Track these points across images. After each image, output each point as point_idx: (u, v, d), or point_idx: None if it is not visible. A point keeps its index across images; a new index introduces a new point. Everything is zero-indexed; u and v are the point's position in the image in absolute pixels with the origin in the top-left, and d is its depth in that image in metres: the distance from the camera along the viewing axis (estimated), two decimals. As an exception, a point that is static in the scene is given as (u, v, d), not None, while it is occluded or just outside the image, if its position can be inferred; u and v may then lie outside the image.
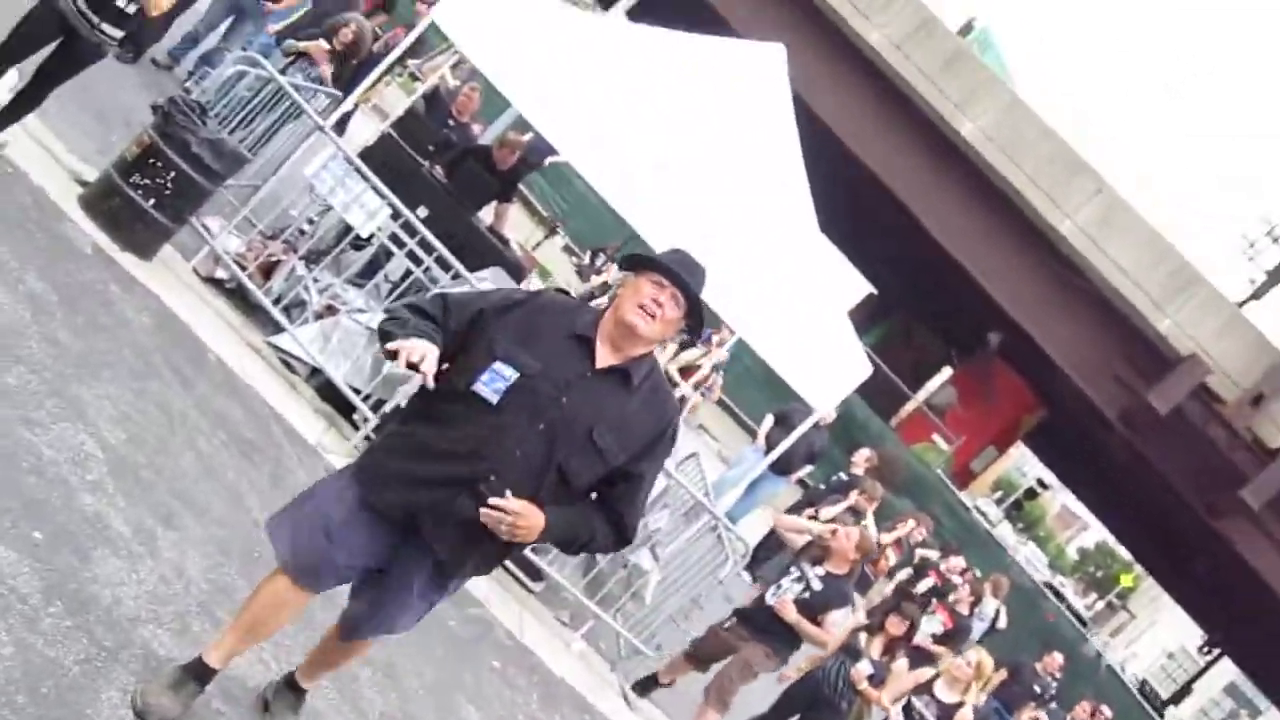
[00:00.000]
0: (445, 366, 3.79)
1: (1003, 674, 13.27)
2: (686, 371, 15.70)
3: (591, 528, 3.98)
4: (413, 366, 3.62)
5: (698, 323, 4.03)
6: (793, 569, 8.61)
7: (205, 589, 4.88)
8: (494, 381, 3.79)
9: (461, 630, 7.02)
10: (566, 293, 14.40)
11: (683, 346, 15.57)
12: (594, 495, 3.99)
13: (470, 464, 3.80)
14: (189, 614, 4.62)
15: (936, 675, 8.69)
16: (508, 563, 8.26)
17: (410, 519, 3.90)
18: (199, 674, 4.05)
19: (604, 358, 3.91)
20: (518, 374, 3.80)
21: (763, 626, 8.38)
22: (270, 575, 4.09)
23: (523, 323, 3.90)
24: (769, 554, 11.57)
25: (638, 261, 4.08)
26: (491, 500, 3.75)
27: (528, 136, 10.67)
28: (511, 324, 3.88)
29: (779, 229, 8.49)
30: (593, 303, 17.31)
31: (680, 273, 3.91)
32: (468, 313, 3.90)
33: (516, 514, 3.76)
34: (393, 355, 3.66)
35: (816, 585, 8.34)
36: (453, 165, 10.62)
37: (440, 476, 3.83)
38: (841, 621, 8.41)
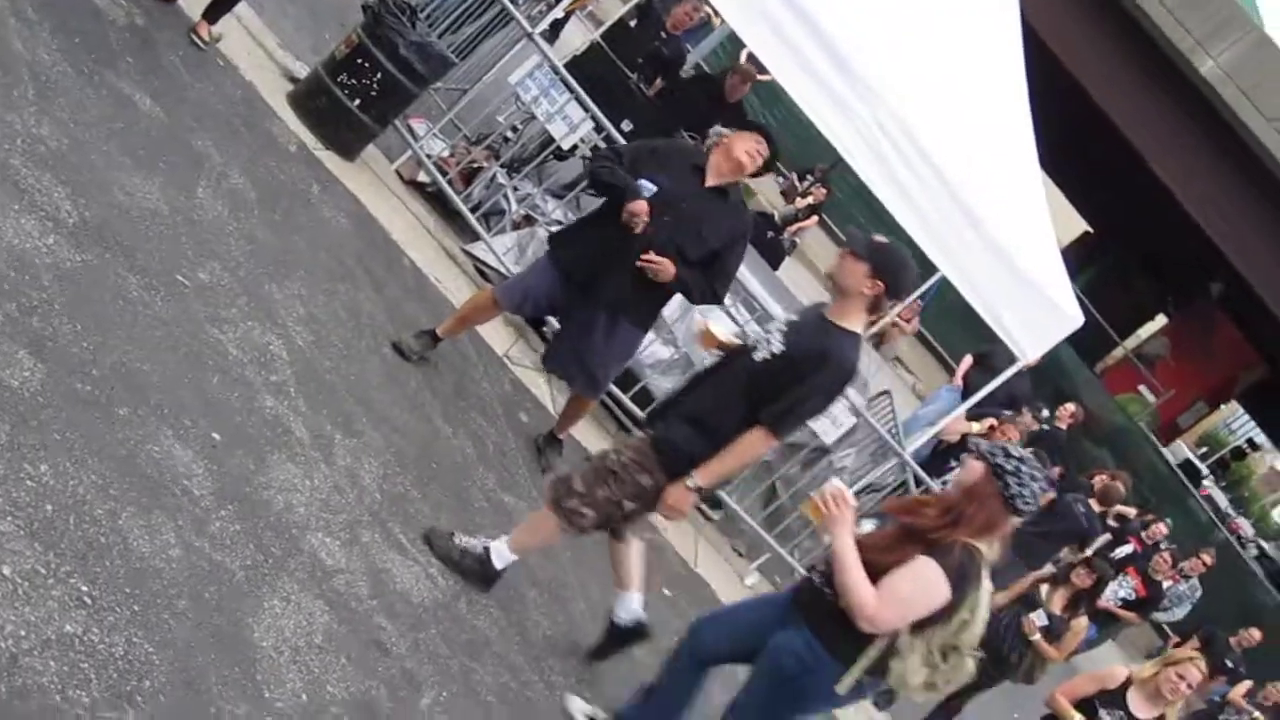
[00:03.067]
0: None
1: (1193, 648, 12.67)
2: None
3: (700, 283, 6.05)
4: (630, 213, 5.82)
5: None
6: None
7: (378, 499, 4.86)
8: (643, 189, 5.89)
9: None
10: (769, 215, 14.13)
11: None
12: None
13: (625, 236, 5.90)
14: (359, 523, 4.60)
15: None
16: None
17: (588, 274, 6.06)
18: (435, 338, 6.28)
19: (711, 180, 6.06)
20: (655, 186, 5.90)
21: None
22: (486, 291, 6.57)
23: (662, 156, 6.10)
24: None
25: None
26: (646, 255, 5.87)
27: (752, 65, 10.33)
28: (656, 158, 6.07)
29: (998, 164, 8.03)
30: (796, 224, 16.98)
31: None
32: (630, 155, 6.09)
33: (660, 261, 5.88)
34: (608, 192, 6.03)
35: None
36: (672, 90, 10.38)
37: (607, 242, 5.98)
38: None
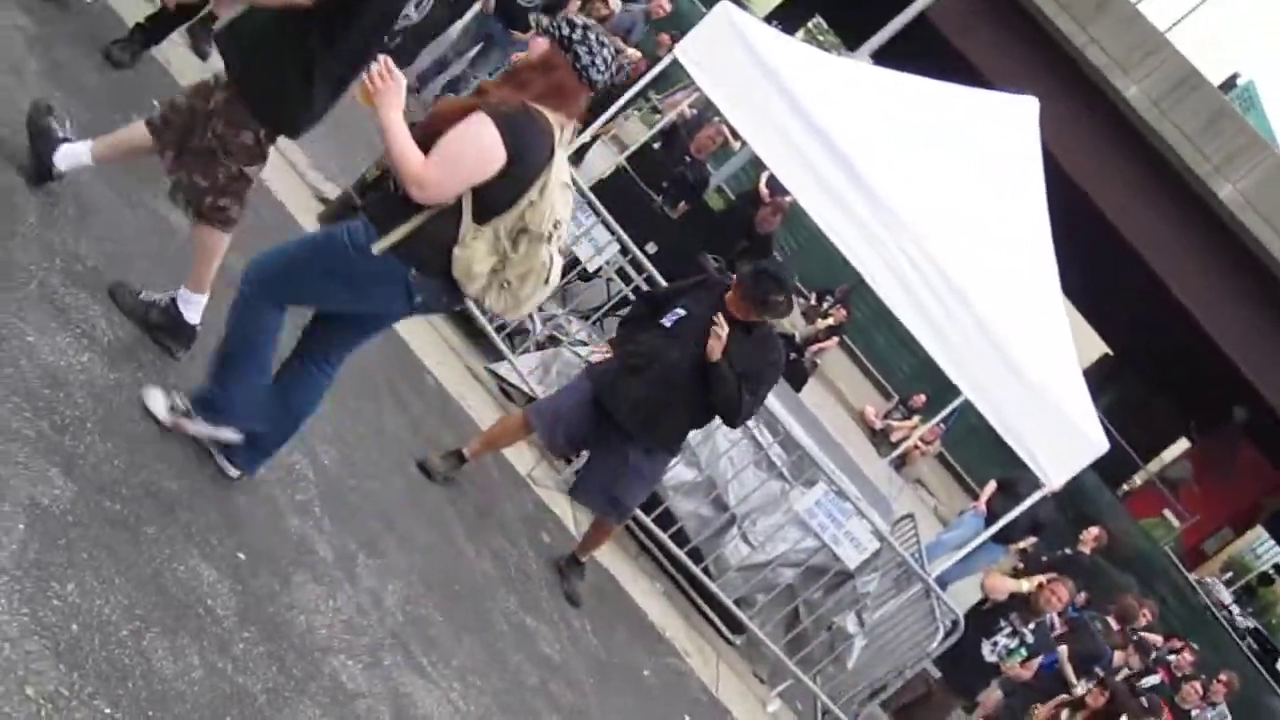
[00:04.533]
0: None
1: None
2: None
3: (731, 390, 6.26)
4: None
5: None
6: (1003, 623, 8.93)
7: (400, 620, 4.82)
8: (671, 318, 6.39)
9: (656, 679, 6.85)
10: (790, 337, 14.16)
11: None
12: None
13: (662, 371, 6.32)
14: (382, 647, 4.56)
15: None
16: (709, 612, 8.10)
17: (624, 413, 6.34)
18: (461, 459, 6.30)
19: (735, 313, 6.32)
20: (684, 312, 6.37)
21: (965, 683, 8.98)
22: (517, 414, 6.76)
23: (688, 291, 6.58)
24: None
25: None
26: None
27: (785, 199, 10.48)
28: (682, 292, 6.59)
29: (1019, 287, 8.08)
30: (816, 345, 17.04)
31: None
32: (662, 296, 6.74)
33: (719, 333, 6.20)
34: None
35: (1029, 638, 8.77)
36: (697, 213, 10.55)
37: (646, 378, 6.33)
38: None
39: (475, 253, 4.08)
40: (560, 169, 4.17)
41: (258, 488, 4.63)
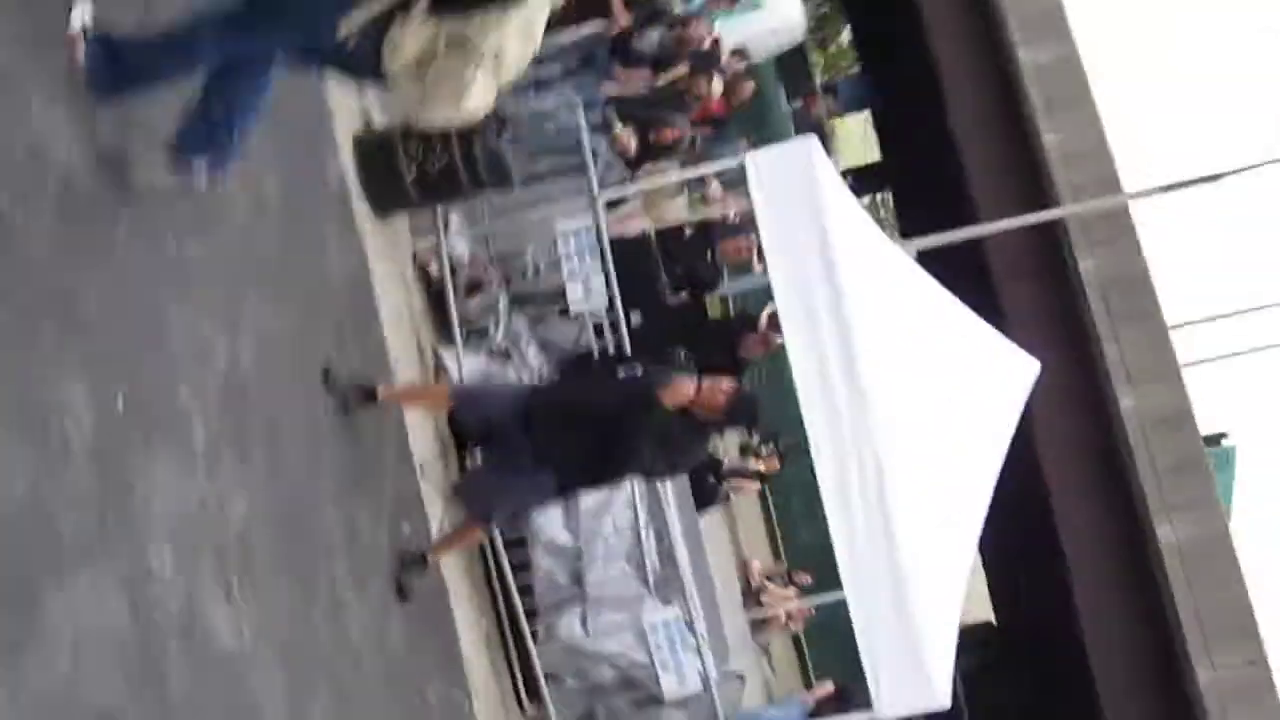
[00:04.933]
0: None
1: None
2: None
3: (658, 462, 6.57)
4: None
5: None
6: None
7: (233, 535, 4.74)
8: (626, 371, 6.92)
9: (435, 705, 6.74)
10: (718, 461, 14.17)
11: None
12: None
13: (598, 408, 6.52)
14: (203, 550, 4.49)
15: None
16: (516, 671, 8.03)
17: (545, 431, 6.40)
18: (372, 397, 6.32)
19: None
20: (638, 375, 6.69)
21: None
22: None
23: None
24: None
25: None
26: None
27: (778, 339, 10.51)
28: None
29: (942, 524, 8.11)
30: (739, 480, 17.04)
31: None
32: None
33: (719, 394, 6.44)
34: None
35: None
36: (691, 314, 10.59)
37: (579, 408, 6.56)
38: None
39: (409, 32, 4.04)
40: (532, 19, 4.15)
41: (167, 346, 4.57)
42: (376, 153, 7.37)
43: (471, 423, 6.70)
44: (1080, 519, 19.33)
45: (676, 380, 6.52)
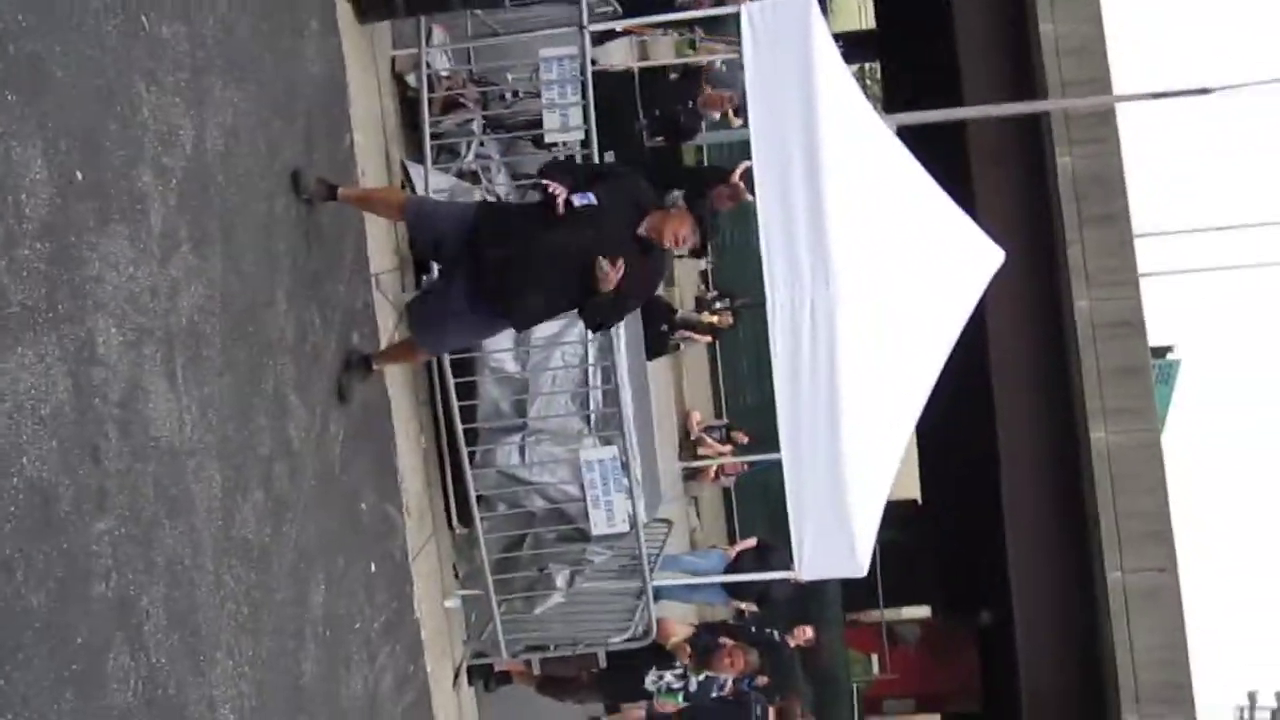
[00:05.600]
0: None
1: None
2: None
3: (597, 310, 6.28)
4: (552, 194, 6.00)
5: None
6: (679, 663, 9.20)
7: (182, 324, 4.71)
8: (582, 199, 6.07)
9: (368, 518, 6.81)
10: (673, 310, 14.21)
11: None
12: None
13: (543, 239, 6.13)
14: (151, 336, 4.45)
15: None
16: (450, 492, 8.12)
17: (497, 255, 6.15)
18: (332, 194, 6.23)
19: (642, 229, 6.23)
20: (594, 202, 6.08)
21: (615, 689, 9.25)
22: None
23: (613, 184, 6.29)
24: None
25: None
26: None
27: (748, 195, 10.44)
28: (606, 183, 6.26)
29: (885, 402, 8.18)
30: (690, 332, 17.11)
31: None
32: (586, 172, 6.45)
33: (611, 270, 5.97)
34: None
35: (692, 687, 9.14)
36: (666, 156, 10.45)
37: (527, 236, 6.19)
38: None
39: None
40: None
41: (134, 126, 4.47)
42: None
43: (422, 237, 6.59)
44: (1018, 411, 19.63)
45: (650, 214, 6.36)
